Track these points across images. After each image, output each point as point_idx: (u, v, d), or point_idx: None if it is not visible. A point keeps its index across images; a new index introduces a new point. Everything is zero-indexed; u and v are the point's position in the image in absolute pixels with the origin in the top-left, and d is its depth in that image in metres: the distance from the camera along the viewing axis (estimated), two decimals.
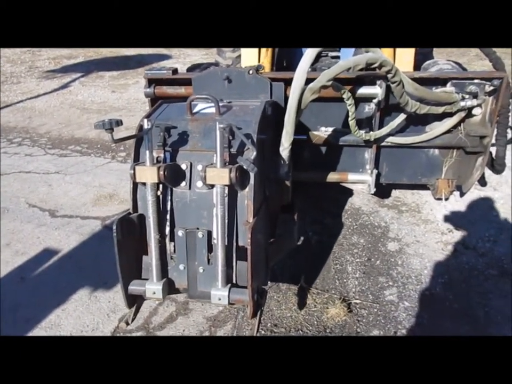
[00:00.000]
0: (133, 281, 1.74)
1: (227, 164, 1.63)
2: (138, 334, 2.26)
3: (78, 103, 6.34)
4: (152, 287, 1.70)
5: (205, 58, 8.85)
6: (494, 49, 2.56)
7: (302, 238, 2.95)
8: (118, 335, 2.26)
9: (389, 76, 1.90)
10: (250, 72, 2.07)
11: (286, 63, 3.51)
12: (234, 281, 1.72)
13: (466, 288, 2.52)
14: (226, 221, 1.65)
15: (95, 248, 2.96)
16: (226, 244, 1.66)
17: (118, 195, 3.65)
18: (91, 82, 7.48)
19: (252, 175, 1.64)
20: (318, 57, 3.90)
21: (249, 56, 3.11)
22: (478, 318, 2.33)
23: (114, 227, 1.60)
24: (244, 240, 1.70)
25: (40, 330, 2.30)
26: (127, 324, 1.95)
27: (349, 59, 1.80)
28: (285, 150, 1.90)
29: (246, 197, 1.67)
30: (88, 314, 2.40)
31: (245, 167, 1.54)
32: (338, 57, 4.04)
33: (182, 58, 9.25)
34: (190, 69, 3.29)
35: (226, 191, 1.64)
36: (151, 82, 2.49)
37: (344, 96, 2.11)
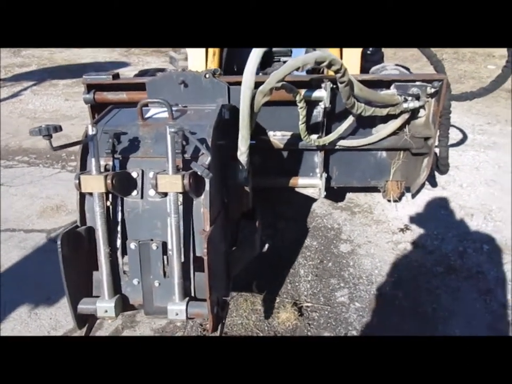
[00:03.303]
0: (83, 299, 1.63)
1: (180, 170, 1.55)
2: None
3: (29, 112, 6.08)
4: (104, 305, 1.59)
5: (165, 66, 8.73)
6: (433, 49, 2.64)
7: (265, 246, 2.91)
8: None
9: (338, 75, 1.89)
10: (207, 76, 2.01)
11: (236, 67, 3.49)
12: (192, 294, 1.64)
13: (415, 286, 2.56)
14: (182, 230, 1.57)
15: (38, 262, 2.81)
16: (182, 255, 1.57)
17: (66, 206, 3.50)
18: (44, 90, 7.22)
19: (207, 181, 1.57)
20: (270, 62, 3.92)
21: (196, 61, 3.07)
22: (427, 315, 2.36)
23: (58, 242, 1.49)
24: (200, 250, 1.62)
25: None
26: None
27: (297, 58, 1.76)
28: (242, 154, 1.85)
29: (201, 205, 1.60)
30: (27, 333, 2.26)
31: (199, 173, 1.47)
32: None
33: (140, 66, 9.09)
34: (138, 75, 3.21)
35: (180, 199, 1.56)
36: (91, 87, 2.41)
37: (296, 98, 2.09)
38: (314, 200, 3.47)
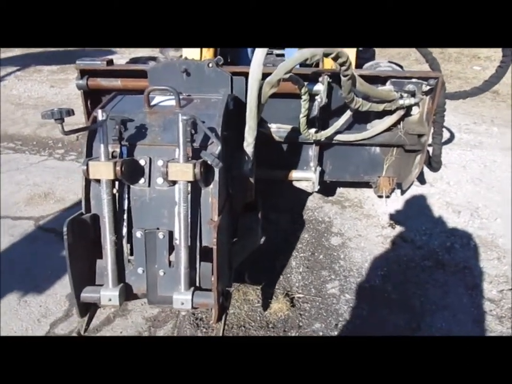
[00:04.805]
0: (86, 287, 1.61)
1: (190, 159, 1.54)
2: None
3: (13, 98, 5.94)
4: (108, 294, 1.58)
5: (151, 55, 8.61)
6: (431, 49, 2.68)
7: (264, 238, 2.91)
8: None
9: (343, 68, 1.87)
10: (210, 65, 1.98)
11: (230, 58, 3.47)
12: (197, 284, 1.63)
13: (403, 279, 2.60)
14: (189, 220, 1.56)
15: (27, 250, 2.76)
16: (189, 244, 1.57)
17: (54, 194, 3.44)
18: (28, 76, 7.06)
19: (216, 171, 1.57)
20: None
21: (191, 51, 3.04)
22: (415, 308, 2.41)
23: (65, 229, 1.47)
24: (207, 240, 1.62)
25: None
26: (80, 334, 1.81)
27: (305, 50, 1.73)
28: (249, 145, 1.84)
29: (210, 194, 1.59)
30: (16, 320, 2.22)
31: (209, 162, 1.46)
32: (283, 55, 4.08)
33: (127, 54, 8.95)
34: (130, 63, 3.17)
35: (189, 188, 1.55)
36: (84, 73, 2.37)
37: (301, 91, 2.09)
38: (305, 193, 3.49)
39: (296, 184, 2.76)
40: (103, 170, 1.50)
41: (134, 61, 3.25)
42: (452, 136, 4.62)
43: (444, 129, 2.66)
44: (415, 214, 3.27)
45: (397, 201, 3.40)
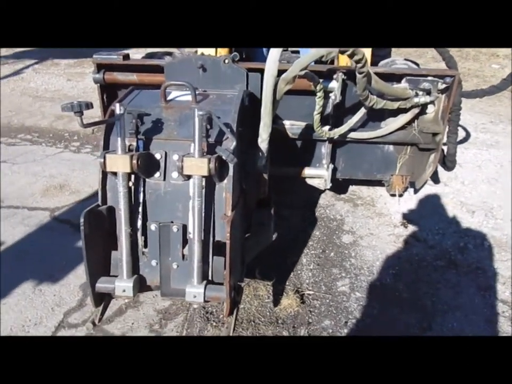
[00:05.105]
0: (101, 278, 1.65)
1: (205, 154, 1.55)
2: (84, 328, 2.16)
3: (30, 91, 6.03)
4: (122, 285, 1.61)
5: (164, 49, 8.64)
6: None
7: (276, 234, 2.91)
8: (62, 329, 2.17)
9: (359, 65, 1.86)
10: (226, 61, 1.99)
11: (245, 54, 3.48)
12: (209, 278, 1.66)
13: (415, 278, 2.59)
14: (203, 214, 1.58)
15: (42, 240, 2.82)
16: (202, 238, 1.59)
17: (69, 186, 3.50)
18: (45, 69, 7.15)
19: (231, 166, 1.58)
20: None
21: None
22: (426, 307, 2.39)
23: (82, 220, 1.50)
24: (221, 234, 1.64)
25: None
26: (94, 324, 1.85)
27: (319, 49, 1.74)
28: (263, 141, 1.86)
29: (224, 189, 1.61)
30: (31, 308, 2.27)
31: (224, 157, 1.48)
32: (298, 52, 4.06)
33: (143, 49, 9.00)
34: (146, 58, 3.19)
35: (203, 183, 1.57)
36: (100, 67, 2.39)
37: (316, 88, 2.08)
38: (317, 190, 3.48)
39: (308, 181, 2.76)
40: (120, 163, 1.53)
41: (150, 55, 3.27)
42: (468, 135, 4.55)
43: (459, 128, 2.63)
44: (428, 213, 3.24)
45: (410, 200, 3.37)
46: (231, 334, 2.01)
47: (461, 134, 4.51)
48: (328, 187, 2.66)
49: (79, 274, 2.51)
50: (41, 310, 2.27)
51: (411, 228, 3.07)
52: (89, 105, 1.46)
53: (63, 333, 2.15)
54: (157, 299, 2.37)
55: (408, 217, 3.18)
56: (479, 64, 7.53)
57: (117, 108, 1.55)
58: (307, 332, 2.20)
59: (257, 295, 2.42)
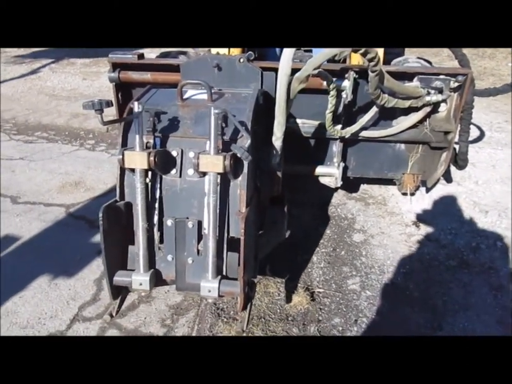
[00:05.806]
0: (118, 271, 1.69)
1: (220, 151, 1.59)
2: (98, 321, 2.22)
3: (47, 89, 6.15)
4: (139, 278, 1.65)
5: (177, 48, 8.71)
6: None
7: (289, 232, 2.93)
8: (77, 322, 2.22)
9: (371, 64, 1.87)
10: (241, 60, 2.01)
11: (257, 53, 3.49)
12: (223, 273, 1.69)
13: (426, 278, 2.58)
14: (218, 210, 1.61)
15: (57, 235, 2.88)
16: (217, 234, 1.62)
17: (85, 183, 3.56)
18: (61, 68, 7.27)
19: (245, 163, 1.61)
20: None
21: None
22: (437, 307, 2.39)
23: (100, 214, 1.54)
24: (235, 230, 1.67)
25: None
26: (111, 316, 1.90)
27: (332, 48, 1.74)
28: (277, 140, 1.88)
29: (238, 186, 1.64)
30: (47, 301, 2.34)
31: (238, 155, 1.51)
32: (311, 50, 4.06)
33: (157, 48, 9.08)
34: (160, 57, 3.23)
35: (219, 180, 1.60)
36: (116, 66, 2.44)
37: (330, 86, 2.10)
38: (329, 189, 3.49)
39: (318, 179, 2.77)
40: (138, 160, 1.57)
41: (164, 54, 3.31)
42: (483, 135, 4.50)
43: (473, 127, 2.61)
44: (441, 212, 3.22)
45: (422, 200, 3.35)
46: (244, 329, 2.04)
47: (476, 133, 4.47)
48: (339, 185, 2.67)
49: (94, 269, 2.57)
50: (57, 303, 2.33)
51: (423, 227, 3.05)
52: (109, 103, 1.51)
53: (77, 326, 2.20)
54: (169, 295, 2.41)
55: (420, 217, 3.17)
56: (496, 62, 7.42)
57: (135, 106, 1.59)
58: (317, 329, 2.22)
59: (268, 292, 2.45)
